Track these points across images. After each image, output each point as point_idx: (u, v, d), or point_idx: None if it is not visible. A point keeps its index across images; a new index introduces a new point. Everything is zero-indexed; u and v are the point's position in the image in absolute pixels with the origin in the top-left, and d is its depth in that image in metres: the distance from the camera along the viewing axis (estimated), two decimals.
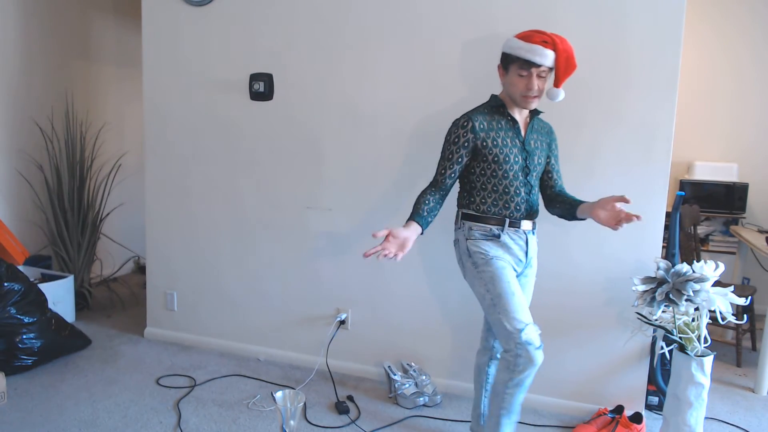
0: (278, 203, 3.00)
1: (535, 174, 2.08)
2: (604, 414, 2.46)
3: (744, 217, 4.04)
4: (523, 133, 2.06)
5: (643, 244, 2.44)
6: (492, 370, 2.21)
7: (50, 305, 3.07)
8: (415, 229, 1.98)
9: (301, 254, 2.98)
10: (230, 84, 3.00)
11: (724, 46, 4.17)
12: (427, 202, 2.04)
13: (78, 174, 3.77)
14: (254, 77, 2.91)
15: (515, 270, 2.06)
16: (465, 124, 2.02)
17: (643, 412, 2.53)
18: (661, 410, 2.60)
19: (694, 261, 2.25)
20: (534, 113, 2.10)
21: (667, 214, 2.55)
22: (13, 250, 3.25)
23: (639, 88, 2.37)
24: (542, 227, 2.29)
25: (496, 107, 2.07)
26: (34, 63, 3.77)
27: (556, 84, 1.99)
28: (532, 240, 2.10)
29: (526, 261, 2.09)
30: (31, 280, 3.02)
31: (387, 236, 1.92)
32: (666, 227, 2.52)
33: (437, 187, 2.07)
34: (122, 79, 4.48)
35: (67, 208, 3.71)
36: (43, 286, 3.18)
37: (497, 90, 2.61)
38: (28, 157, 3.76)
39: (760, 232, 3.73)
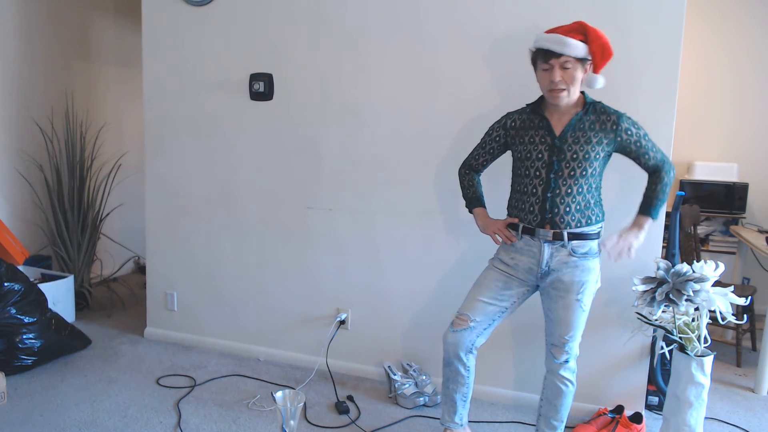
0: (278, 203, 2.99)
1: (565, 172, 1.95)
2: (604, 414, 2.46)
3: (744, 217, 4.04)
4: (558, 130, 1.98)
5: (643, 244, 2.43)
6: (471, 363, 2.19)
7: (50, 305, 3.07)
8: (485, 213, 2.24)
9: (301, 254, 2.98)
10: (230, 84, 2.99)
11: (723, 46, 4.17)
12: (472, 184, 2.26)
13: (78, 174, 3.77)
14: (254, 77, 2.91)
15: (521, 280, 2.07)
16: (501, 120, 2.15)
17: (643, 412, 2.53)
18: (661, 410, 2.61)
19: (694, 261, 2.25)
20: (588, 107, 1.98)
21: (667, 214, 2.55)
22: (13, 250, 3.24)
23: (639, 88, 2.37)
24: None
25: (535, 105, 2.06)
26: (35, 63, 3.77)
27: (594, 70, 1.95)
28: (559, 253, 1.99)
29: (541, 273, 2.02)
30: (31, 280, 3.02)
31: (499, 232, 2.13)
32: (666, 227, 2.52)
33: (469, 167, 2.27)
34: (122, 79, 4.48)
35: (67, 208, 3.72)
36: (43, 286, 3.19)
37: (497, 89, 2.62)
38: (28, 157, 3.76)
39: (760, 232, 3.73)
